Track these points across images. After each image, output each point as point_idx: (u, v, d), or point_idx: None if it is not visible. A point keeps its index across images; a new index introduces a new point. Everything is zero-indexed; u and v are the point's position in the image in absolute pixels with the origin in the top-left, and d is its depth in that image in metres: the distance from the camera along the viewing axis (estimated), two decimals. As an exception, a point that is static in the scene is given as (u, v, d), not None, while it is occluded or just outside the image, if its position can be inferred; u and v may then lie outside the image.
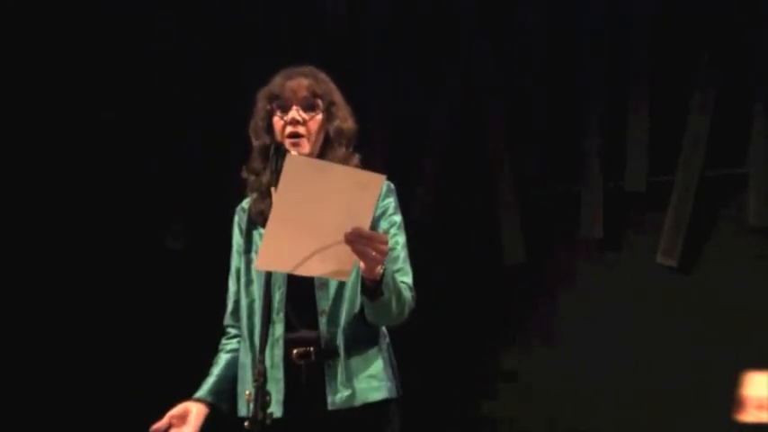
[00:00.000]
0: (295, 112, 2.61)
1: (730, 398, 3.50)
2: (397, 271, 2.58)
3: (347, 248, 2.29)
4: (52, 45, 5.13)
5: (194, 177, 5.17)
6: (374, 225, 2.50)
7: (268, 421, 2.25)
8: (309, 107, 2.63)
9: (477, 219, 4.84)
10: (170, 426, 2.56)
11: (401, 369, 2.70)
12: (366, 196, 2.28)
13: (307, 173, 2.24)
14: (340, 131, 2.66)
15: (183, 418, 2.59)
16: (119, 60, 5.20)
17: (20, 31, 5.09)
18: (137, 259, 5.16)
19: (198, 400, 2.66)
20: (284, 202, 2.25)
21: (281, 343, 2.56)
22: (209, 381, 2.71)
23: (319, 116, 2.64)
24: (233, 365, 2.71)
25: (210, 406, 2.66)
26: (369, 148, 2.77)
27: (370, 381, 2.58)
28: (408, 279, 2.62)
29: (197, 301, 4.72)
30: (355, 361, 2.57)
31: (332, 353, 2.56)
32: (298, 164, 2.26)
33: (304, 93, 2.63)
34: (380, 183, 2.30)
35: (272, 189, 2.37)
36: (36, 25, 5.12)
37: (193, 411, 2.61)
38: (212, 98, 5.18)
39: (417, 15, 5.00)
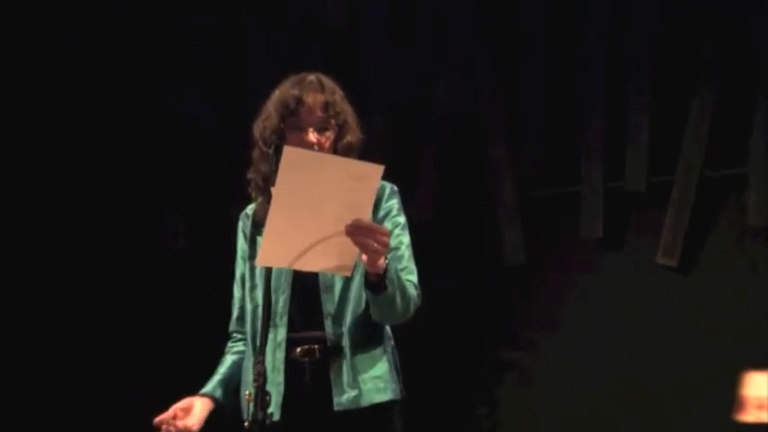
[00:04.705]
0: (311, 136, 2.59)
1: (730, 398, 3.50)
2: (402, 269, 2.56)
3: (348, 241, 2.26)
4: (48, 40, 5.12)
5: (195, 176, 5.17)
6: None
7: (268, 421, 2.23)
8: (324, 128, 2.61)
9: (478, 219, 4.84)
10: (174, 417, 2.55)
11: (401, 370, 2.69)
12: (365, 187, 2.24)
13: (304, 165, 2.21)
14: (349, 146, 2.64)
15: (187, 410, 2.58)
16: (118, 58, 5.20)
17: (15, 27, 5.09)
18: (136, 259, 5.15)
19: (203, 395, 2.66)
20: (283, 197, 2.22)
21: (283, 346, 2.55)
22: (215, 378, 2.71)
23: (332, 135, 2.63)
24: (239, 366, 2.71)
25: (216, 402, 2.65)
26: (369, 147, 2.77)
27: (377, 382, 2.57)
28: (413, 277, 2.60)
29: (197, 301, 4.74)
30: (361, 361, 2.56)
31: (337, 353, 2.54)
32: (294, 156, 2.22)
33: (319, 113, 2.60)
34: (379, 173, 2.25)
35: (272, 188, 2.35)
36: (33, 23, 5.11)
37: (198, 404, 2.61)
38: (212, 97, 5.18)
39: (417, 14, 4.99)
